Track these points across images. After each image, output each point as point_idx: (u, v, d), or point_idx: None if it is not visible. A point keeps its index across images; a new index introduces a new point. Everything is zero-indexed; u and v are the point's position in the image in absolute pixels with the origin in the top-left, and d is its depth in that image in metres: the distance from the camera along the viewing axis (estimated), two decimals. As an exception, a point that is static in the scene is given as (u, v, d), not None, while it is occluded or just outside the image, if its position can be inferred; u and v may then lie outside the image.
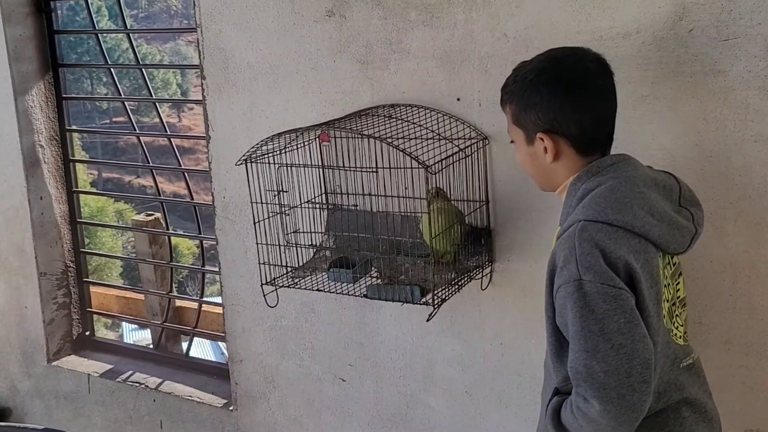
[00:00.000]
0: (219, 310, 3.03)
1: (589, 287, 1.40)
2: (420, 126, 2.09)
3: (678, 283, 1.61)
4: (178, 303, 3.43)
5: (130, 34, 3.14)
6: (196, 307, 3.25)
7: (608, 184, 1.50)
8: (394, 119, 2.09)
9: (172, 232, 3.46)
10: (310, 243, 2.30)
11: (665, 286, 1.53)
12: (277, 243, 2.17)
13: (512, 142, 1.67)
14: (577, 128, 1.54)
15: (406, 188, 2.13)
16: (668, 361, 1.53)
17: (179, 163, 3.23)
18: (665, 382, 1.52)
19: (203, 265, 3.19)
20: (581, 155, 1.57)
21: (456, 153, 2.03)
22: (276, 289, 2.18)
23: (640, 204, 1.48)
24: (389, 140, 1.90)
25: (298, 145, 2.24)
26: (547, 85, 1.54)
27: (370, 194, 2.15)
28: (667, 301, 1.55)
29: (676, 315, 1.59)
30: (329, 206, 2.36)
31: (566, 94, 1.53)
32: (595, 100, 1.55)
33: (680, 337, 1.59)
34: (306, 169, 2.29)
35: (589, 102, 1.54)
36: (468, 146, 2.08)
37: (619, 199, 1.47)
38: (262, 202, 2.14)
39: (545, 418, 1.57)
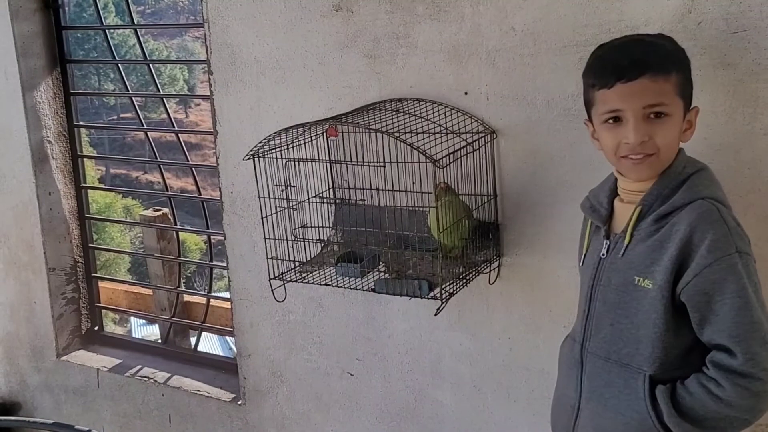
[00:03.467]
0: (227, 304, 3.04)
1: (746, 259, 1.44)
2: (427, 120, 2.08)
3: None
4: (187, 298, 3.44)
5: (138, 30, 3.14)
6: (204, 302, 3.26)
7: (708, 169, 1.56)
8: (402, 113, 2.09)
9: (180, 227, 3.47)
10: (317, 238, 2.30)
11: None
12: (284, 238, 2.17)
13: (659, 115, 1.50)
14: None
15: (413, 183, 2.13)
16: None
17: (187, 158, 3.23)
18: None
19: (211, 260, 3.20)
20: None
21: (464, 147, 2.03)
22: (284, 284, 2.18)
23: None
24: (397, 134, 1.90)
25: (306, 140, 2.24)
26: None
27: (377, 189, 2.15)
28: None
29: None
30: (337, 201, 2.36)
31: None
32: None
33: None
34: (313, 163, 2.29)
35: None
36: (476, 140, 2.08)
37: (719, 185, 1.54)
38: (269, 197, 2.14)
39: (652, 413, 1.51)
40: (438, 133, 2.05)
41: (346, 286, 2.11)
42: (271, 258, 2.16)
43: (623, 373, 1.57)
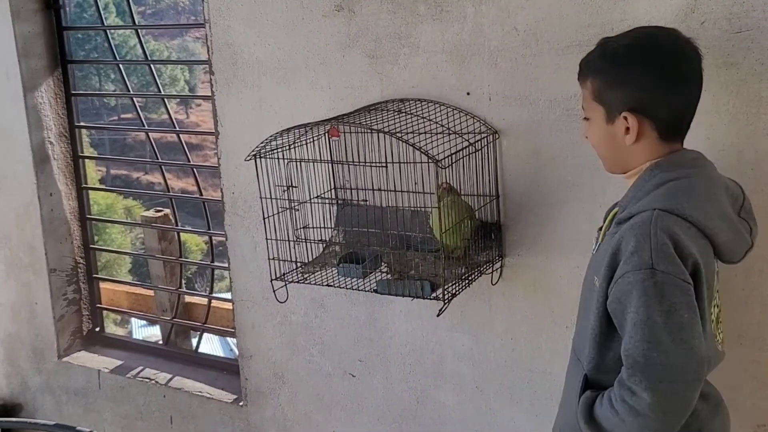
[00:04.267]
0: (228, 305, 3.04)
1: (661, 277, 1.38)
2: (429, 120, 2.08)
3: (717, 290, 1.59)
4: (188, 299, 3.43)
5: (138, 31, 3.14)
6: (205, 303, 3.25)
7: (691, 178, 1.47)
8: (404, 114, 2.08)
9: (181, 228, 3.46)
10: (319, 238, 2.30)
11: (717, 291, 1.53)
12: (286, 238, 2.17)
13: (585, 119, 1.60)
14: (666, 111, 1.49)
15: (415, 183, 2.12)
16: (711, 366, 1.52)
17: (188, 159, 3.23)
18: None
19: (212, 261, 3.20)
20: (662, 140, 1.52)
21: (466, 147, 2.02)
22: (286, 285, 2.18)
23: (715, 207, 1.47)
24: (399, 135, 1.89)
25: (308, 141, 2.23)
26: (641, 63, 1.48)
27: (379, 189, 2.15)
28: (717, 306, 1.54)
29: (720, 322, 1.58)
30: (339, 201, 2.36)
31: (661, 74, 1.47)
32: (687, 84, 1.51)
33: (720, 343, 1.58)
34: (315, 164, 2.28)
35: (682, 85, 1.50)
36: (478, 140, 2.07)
37: (698, 196, 1.45)
38: (271, 198, 2.14)
39: (577, 414, 1.53)
40: (440, 133, 2.04)
41: (348, 287, 2.11)
42: (273, 259, 2.15)
43: (577, 367, 1.60)
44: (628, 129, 1.51)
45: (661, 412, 1.37)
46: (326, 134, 2.29)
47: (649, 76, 1.48)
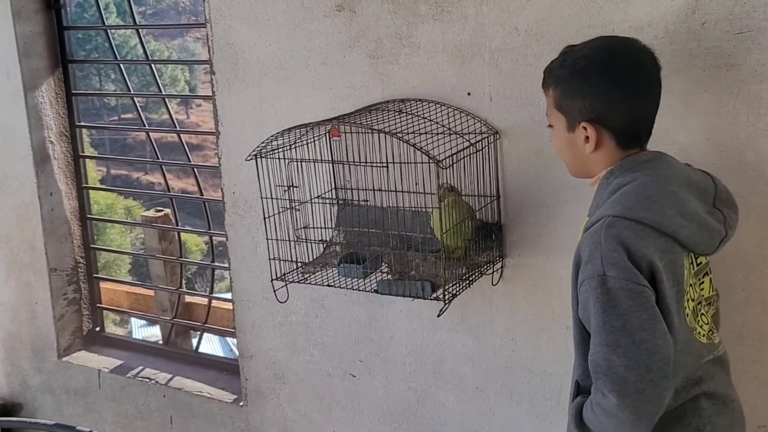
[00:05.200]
0: (229, 306, 3.03)
1: (612, 283, 1.41)
2: (430, 121, 2.08)
3: (702, 282, 1.60)
4: (188, 299, 3.43)
5: (139, 30, 3.14)
6: (205, 303, 3.25)
7: (640, 180, 1.50)
8: (405, 114, 2.08)
9: (182, 228, 3.46)
10: (320, 238, 2.30)
11: (690, 285, 1.53)
12: (287, 238, 2.17)
13: (550, 126, 1.65)
14: (623, 121, 1.53)
15: (416, 183, 2.12)
16: (691, 360, 1.52)
17: (188, 159, 3.23)
18: (683, 378, 1.51)
19: (213, 261, 3.20)
20: (621, 148, 1.56)
21: (467, 148, 2.02)
22: (286, 285, 2.18)
23: (671, 203, 1.47)
24: (399, 135, 1.89)
25: (308, 141, 2.24)
26: (600, 75, 1.52)
27: (380, 189, 2.15)
28: (692, 300, 1.54)
29: (701, 314, 1.58)
30: (339, 201, 2.36)
31: (618, 86, 1.51)
32: (645, 95, 1.55)
33: (704, 336, 1.57)
34: (316, 164, 2.29)
35: (639, 96, 1.54)
36: (479, 141, 2.07)
37: (649, 197, 1.47)
38: (272, 198, 2.14)
39: (568, 420, 1.57)
40: (441, 133, 2.04)
41: (348, 287, 2.11)
42: (274, 259, 2.15)
43: (573, 374, 1.63)
44: (587, 138, 1.55)
45: (630, 411, 1.39)
46: (327, 134, 2.29)
47: (606, 88, 1.52)
